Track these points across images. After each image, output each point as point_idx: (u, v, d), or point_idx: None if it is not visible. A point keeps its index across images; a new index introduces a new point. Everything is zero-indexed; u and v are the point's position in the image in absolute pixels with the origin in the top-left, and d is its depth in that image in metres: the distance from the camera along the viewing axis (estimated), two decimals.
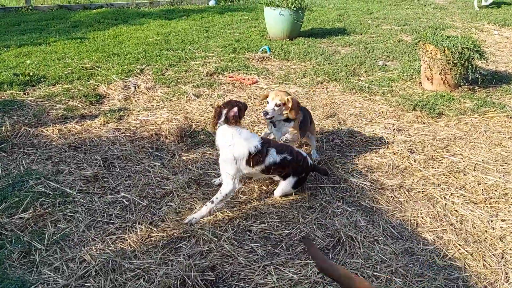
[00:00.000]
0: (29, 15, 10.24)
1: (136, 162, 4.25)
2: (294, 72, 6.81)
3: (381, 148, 4.54)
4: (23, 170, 4.02)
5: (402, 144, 4.61)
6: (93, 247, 3.09)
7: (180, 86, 6.15)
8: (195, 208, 3.54)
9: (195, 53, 7.64)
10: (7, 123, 4.75)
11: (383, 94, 5.95)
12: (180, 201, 3.62)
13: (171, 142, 4.63)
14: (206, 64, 7.09)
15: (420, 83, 6.41)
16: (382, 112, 5.40)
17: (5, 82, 5.94)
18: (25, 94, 5.72)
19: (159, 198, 3.67)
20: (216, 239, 3.19)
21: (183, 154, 4.40)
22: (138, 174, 4.02)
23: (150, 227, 3.32)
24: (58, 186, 3.78)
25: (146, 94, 5.85)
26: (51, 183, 3.81)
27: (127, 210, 3.52)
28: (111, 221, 3.39)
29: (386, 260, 3.05)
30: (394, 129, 4.94)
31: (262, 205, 3.62)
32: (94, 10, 10.89)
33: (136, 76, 6.46)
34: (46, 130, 4.76)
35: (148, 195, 3.69)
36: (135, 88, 6.03)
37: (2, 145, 4.41)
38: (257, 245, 3.16)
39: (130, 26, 9.47)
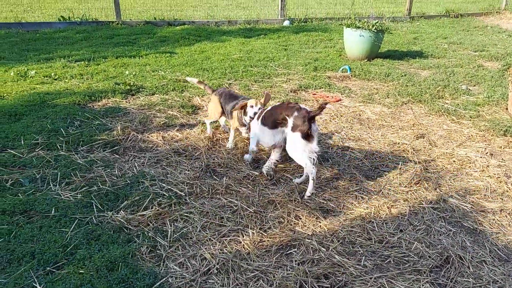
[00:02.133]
0: (120, 29, 10.96)
1: (236, 170, 4.45)
2: (376, 92, 6.85)
3: (477, 171, 4.49)
4: (137, 171, 4.33)
5: (498, 168, 4.53)
6: (211, 247, 3.28)
7: None
8: (298, 217, 3.67)
9: (277, 70, 7.87)
10: (118, 127, 5.13)
11: (471, 118, 5.86)
12: (285, 211, 3.75)
13: (267, 154, 4.80)
14: (289, 81, 7.27)
15: (507, 108, 6.24)
16: (472, 135, 5.32)
17: (109, 90, 6.41)
18: (127, 102, 6.14)
19: (263, 206, 3.82)
20: (324, 249, 3.28)
21: (279, 165, 4.56)
22: (241, 182, 4.21)
23: (261, 232, 3.48)
24: (171, 188, 4.04)
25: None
26: (164, 185, 4.08)
27: (236, 214, 3.70)
28: (223, 223, 3.57)
29: (498, 281, 3.02)
30: (487, 153, 4.86)
31: (365, 220, 3.68)
32: (177, 27, 11.47)
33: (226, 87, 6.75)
34: (152, 136, 5.09)
35: (254, 202, 3.86)
36: None
37: (115, 148, 4.77)
38: (365, 258, 3.22)
39: (213, 42, 9.90)
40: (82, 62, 7.87)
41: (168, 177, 4.25)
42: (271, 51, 9.22)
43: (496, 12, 16.15)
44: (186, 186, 4.10)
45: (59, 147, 4.70)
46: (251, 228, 3.50)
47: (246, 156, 4.65)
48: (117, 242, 3.26)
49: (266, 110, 4.26)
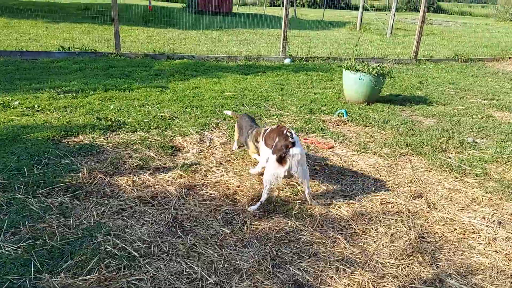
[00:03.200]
0: (117, 61, 10.69)
1: (205, 226, 3.91)
2: (373, 140, 6.33)
3: (481, 243, 3.88)
4: (93, 222, 3.82)
5: (506, 242, 3.91)
6: None
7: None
8: None
9: (270, 110, 7.43)
10: (85, 169, 4.66)
11: (476, 176, 5.27)
12: (252, 284, 3.18)
13: (243, 206, 4.27)
14: (281, 123, 6.80)
15: None
16: (477, 198, 4.73)
17: (88, 125, 5.99)
18: (105, 139, 5.69)
19: (228, 275, 3.26)
20: None
21: (255, 222, 4.02)
22: (207, 242, 3.67)
23: None
24: (125, 245, 3.51)
25: (220, 150, 5.61)
26: (118, 241, 3.55)
27: (194, 285, 3.13)
28: None
29: None
30: (494, 221, 4.25)
31: None
32: (176, 61, 11.19)
33: (211, 130, 6.30)
34: (120, 180, 4.60)
35: (217, 270, 3.30)
36: (210, 142, 5.83)
37: (77, 192, 4.28)
38: None
39: (209, 78, 9.55)
40: (70, 94, 7.51)
41: (126, 231, 3.72)
42: (267, 90, 8.82)
43: (509, 57, 15.69)
44: (143, 244, 3.56)
45: (16, 189, 4.22)
46: None
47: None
48: None
49: (266, 133, 4.57)
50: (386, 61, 11.54)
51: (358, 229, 4.04)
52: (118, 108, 6.85)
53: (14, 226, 3.65)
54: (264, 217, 4.13)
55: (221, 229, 3.88)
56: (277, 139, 4.23)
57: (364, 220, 4.20)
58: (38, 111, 6.57)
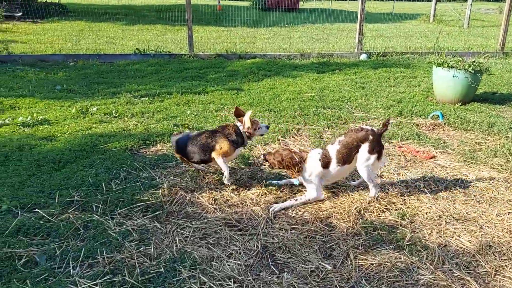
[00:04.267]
0: (191, 62, 10.31)
1: (301, 259, 3.22)
2: (480, 148, 5.29)
3: None
4: (176, 251, 3.27)
5: None
6: None
7: None
8: None
9: (353, 113, 6.58)
10: (165, 185, 4.15)
11: None
12: None
13: (341, 232, 3.53)
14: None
15: None
16: None
17: (166, 132, 5.53)
18: None
19: None
20: None
21: (359, 256, 3.26)
22: (306, 282, 2.98)
23: None
24: (213, 285, 2.91)
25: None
26: (205, 279, 2.96)
27: None
28: None
29: None
30: None
31: None
32: (248, 60, 10.61)
33: (292, 136, 5.60)
34: (202, 197, 4.04)
35: None
36: None
37: (157, 213, 3.77)
38: None
39: (283, 78, 8.84)
40: (147, 98, 7.15)
41: (213, 265, 3.12)
42: (347, 90, 7.94)
43: None
44: (234, 284, 2.94)
45: (94, 208, 3.79)
46: None
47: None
48: None
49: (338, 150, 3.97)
50: (472, 55, 10.16)
51: (489, 267, 3.15)
52: (195, 114, 6.36)
53: (91, 256, 3.18)
54: (370, 249, 3.36)
55: (320, 264, 3.17)
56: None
57: (494, 255, 3.30)
58: (115, 117, 6.25)
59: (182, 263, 3.12)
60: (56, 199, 3.90)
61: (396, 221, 3.74)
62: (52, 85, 7.88)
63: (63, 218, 3.64)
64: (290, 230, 3.61)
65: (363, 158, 3.94)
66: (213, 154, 4.13)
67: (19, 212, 3.67)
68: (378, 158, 3.98)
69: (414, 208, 3.94)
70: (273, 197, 4.09)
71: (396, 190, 4.27)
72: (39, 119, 5.95)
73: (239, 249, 3.33)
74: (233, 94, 7.50)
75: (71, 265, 3.07)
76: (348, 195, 4.16)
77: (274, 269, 3.13)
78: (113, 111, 6.40)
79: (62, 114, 6.26)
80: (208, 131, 4.29)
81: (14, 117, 6.00)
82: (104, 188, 4.12)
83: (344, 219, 3.75)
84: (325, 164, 3.96)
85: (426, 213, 3.86)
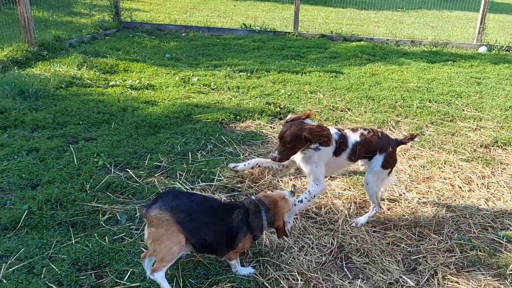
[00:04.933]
0: (294, 40, 9.96)
1: (380, 267, 2.81)
2: None
3: None
4: None
5: None
6: None
7: (443, 154, 4.42)
8: None
9: (463, 110, 5.72)
10: (245, 168, 3.94)
11: None
12: None
13: (431, 246, 3.02)
14: (479, 130, 5.11)
15: None
16: None
17: (257, 110, 5.33)
18: (271, 127, 4.96)
19: None
20: None
21: (449, 277, 2.74)
22: None
23: None
24: (279, 277, 2.65)
25: (398, 158, 4.32)
26: (272, 270, 2.71)
27: None
28: None
29: None
30: None
31: None
32: (353, 43, 9.92)
33: (390, 129, 5.02)
34: (282, 181, 3.79)
35: None
36: None
37: (234, 193, 3.60)
38: None
39: (388, 65, 8.07)
40: (245, 74, 7.02)
41: (282, 255, 2.86)
42: (459, 84, 6.96)
43: None
44: (301, 279, 2.66)
45: (178, 176, 3.76)
46: None
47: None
48: None
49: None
50: None
51: None
52: (289, 93, 6.06)
53: None
54: (463, 270, 2.82)
55: (401, 277, 2.73)
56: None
57: None
58: (213, 89, 6.21)
59: (251, 248, 2.92)
60: (146, 162, 3.95)
61: (501, 242, 3.10)
62: (162, 53, 8.14)
63: (149, 181, 3.66)
64: (372, 232, 3.19)
65: (375, 170, 3.18)
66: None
67: (112, 170, 3.78)
68: (389, 173, 3.28)
69: None
70: (358, 192, 3.68)
71: (505, 205, 3.57)
72: (146, 83, 6.15)
73: (312, 243, 3.02)
74: (331, 76, 7.02)
75: None
76: (447, 203, 3.57)
77: (347, 272, 2.78)
78: (212, 83, 6.38)
79: (166, 81, 6.41)
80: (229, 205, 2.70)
81: (125, 79, 6.28)
82: (190, 158, 4.06)
83: (436, 231, 3.22)
84: (338, 151, 3.09)
85: None
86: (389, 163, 3.19)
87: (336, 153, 3.06)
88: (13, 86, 5.33)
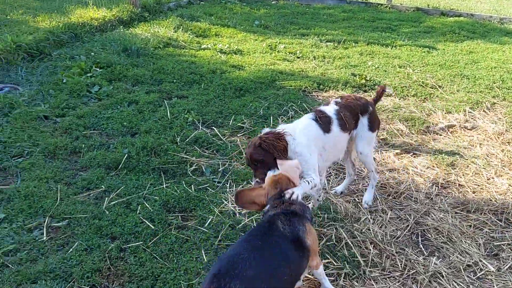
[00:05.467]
0: (386, 13, 9.35)
1: (458, 248, 2.65)
2: None
3: None
4: (322, 200, 3.06)
5: None
6: None
7: None
8: None
9: None
10: None
11: None
12: None
13: None
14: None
15: None
16: None
17: (341, 80, 5.17)
18: None
19: None
20: None
21: None
22: (458, 274, 2.45)
23: None
24: (352, 245, 2.63)
25: (492, 140, 3.96)
26: (346, 237, 2.70)
27: None
28: None
29: None
30: None
31: None
32: (450, 18, 9.05)
33: (484, 111, 4.58)
34: None
35: None
36: (473, 128, 4.21)
37: None
38: None
39: (488, 43, 7.27)
40: (332, 44, 6.80)
41: (354, 226, 2.82)
42: None
43: None
44: (374, 249, 2.61)
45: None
46: None
47: None
48: None
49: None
50: None
51: None
52: (376, 66, 5.76)
53: (245, 180, 3.24)
54: None
55: (481, 261, 2.56)
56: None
57: None
58: (298, 57, 6.12)
59: (325, 211, 2.92)
60: (230, 122, 4.07)
61: None
62: (252, 20, 8.16)
63: (232, 140, 3.79)
64: (453, 213, 3.00)
65: (364, 136, 2.84)
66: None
67: (200, 126, 3.96)
68: (376, 135, 3.01)
69: None
70: (442, 172, 3.45)
71: None
72: (234, 48, 6.24)
73: (387, 217, 2.93)
74: (424, 52, 6.51)
75: (227, 184, 3.18)
76: None
77: (423, 248, 2.67)
78: (298, 51, 6.28)
79: (253, 47, 6.44)
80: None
81: (216, 43, 6.43)
82: (271, 122, 4.10)
83: None
84: (325, 126, 2.58)
85: None
86: (374, 124, 2.88)
87: (325, 129, 2.60)
88: (118, 43, 5.75)
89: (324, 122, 2.60)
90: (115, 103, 4.23)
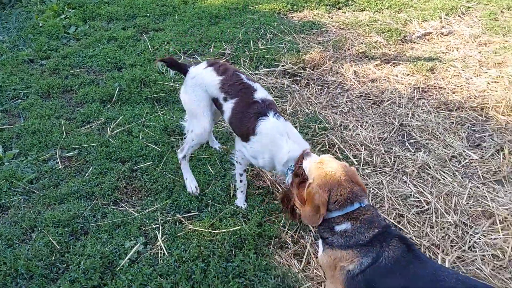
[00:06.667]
0: None
1: (443, 143, 2.92)
2: None
3: None
4: (311, 111, 3.22)
5: None
6: None
7: None
8: None
9: None
10: (306, 54, 3.96)
11: None
12: (508, 239, 2.21)
13: (498, 125, 3.05)
14: None
15: None
16: None
17: (314, 0, 5.14)
18: (329, 16, 4.83)
19: (473, 217, 2.34)
20: None
21: None
22: (444, 164, 2.73)
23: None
24: (344, 148, 2.85)
25: (467, 45, 4.14)
26: (335, 139, 2.90)
27: (423, 217, 2.34)
28: None
29: None
30: None
31: None
32: None
33: (459, 15, 4.72)
34: (343, 67, 3.81)
35: (457, 206, 2.40)
36: (449, 33, 4.38)
37: (297, 78, 3.69)
38: None
39: None
40: None
41: (344, 133, 3.01)
42: None
43: None
44: (364, 150, 2.84)
45: (242, 62, 3.88)
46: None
47: None
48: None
49: None
50: None
51: None
52: None
53: None
54: None
55: (465, 152, 2.84)
56: None
57: None
58: None
59: (315, 122, 3.09)
60: (211, 49, 4.07)
61: None
62: None
63: None
64: (435, 113, 3.23)
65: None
66: None
67: (182, 56, 3.96)
68: None
69: None
70: (422, 77, 3.63)
71: None
72: None
73: (373, 122, 3.15)
74: None
75: None
76: None
77: (409, 146, 2.92)
78: None
79: None
80: None
81: None
82: (252, 46, 4.13)
83: (506, 113, 3.19)
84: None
85: None
86: None
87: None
88: None
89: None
90: (94, 42, 4.21)
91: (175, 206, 2.35)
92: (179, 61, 2.60)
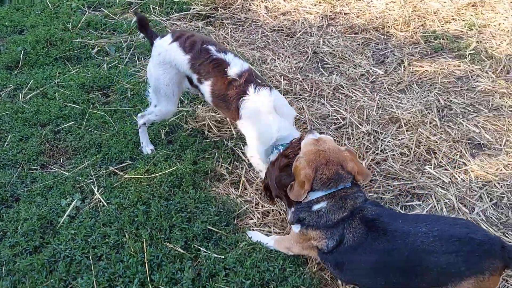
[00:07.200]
0: None
1: (352, 64, 3.17)
2: None
3: None
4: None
5: None
6: None
7: None
8: None
9: None
10: None
11: None
12: (414, 138, 2.53)
13: (398, 41, 3.36)
14: None
15: None
16: None
17: None
18: None
19: (382, 124, 2.63)
20: None
21: (414, 63, 3.15)
22: (355, 83, 2.98)
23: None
24: (265, 79, 2.98)
25: None
26: (258, 73, 3.01)
27: (342, 132, 2.59)
28: None
29: None
30: None
31: None
32: None
33: None
34: (253, 4, 3.85)
35: (369, 117, 2.67)
36: None
37: (210, 19, 3.68)
38: None
39: None
40: None
41: (263, 67, 3.13)
42: None
43: None
44: (284, 80, 2.99)
45: (152, 10, 3.75)
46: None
47: None
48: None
49: None
50: None
51: None
52: None
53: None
54: (427, 57, 3.21)
55: (371, 69, 3.11)
56: None
57: None
58: None
59: None
60: (117, 0, 3.88)
61: (462, 31, 3.46)
62: None
63: (124, 17, 3.69)
64: (344, 38, 3.45)
65: None
66: None
67: (86, 10, 3.74)
68: None
69: (486, 19, 3.59)
70: (329, 5, 3.80)
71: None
72: None
73: (288, 53, 3.29)
74: None
75: (136, 56, 3.21)
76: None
77: (323, 71, 3.12)
78: None
79: None
80: None
81: None
82: None
83: (403, 29, 3.50)
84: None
85: (500, 24, 3.52)
86: None
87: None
88: None
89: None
90: None
91: (107, 159, 2.34)
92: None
